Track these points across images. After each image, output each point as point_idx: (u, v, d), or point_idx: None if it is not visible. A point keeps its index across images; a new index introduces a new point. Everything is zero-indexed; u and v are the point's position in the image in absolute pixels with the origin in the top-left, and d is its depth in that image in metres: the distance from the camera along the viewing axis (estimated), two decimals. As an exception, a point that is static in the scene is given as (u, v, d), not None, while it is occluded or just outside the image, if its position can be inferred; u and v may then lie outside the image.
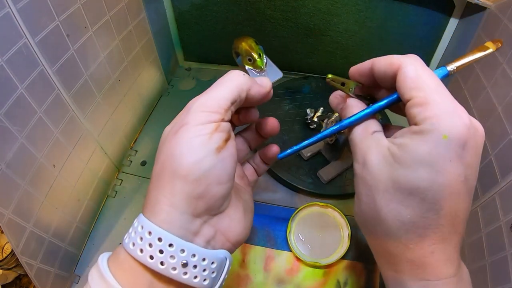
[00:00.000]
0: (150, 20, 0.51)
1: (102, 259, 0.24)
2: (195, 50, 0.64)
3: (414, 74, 0.22)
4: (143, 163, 0.51)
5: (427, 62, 0.54)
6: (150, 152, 0.53)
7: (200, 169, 0.22)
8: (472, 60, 0.24)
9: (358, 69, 0.26)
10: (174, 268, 0.22)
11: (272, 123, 0.31)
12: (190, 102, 0.25)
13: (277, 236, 0.43)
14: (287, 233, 0.42)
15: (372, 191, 0.23)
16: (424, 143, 0.20)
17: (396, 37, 0.51)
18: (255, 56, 0.30)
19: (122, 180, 0.49)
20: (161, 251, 0.22)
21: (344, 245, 0.40)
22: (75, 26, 0.36)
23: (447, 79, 0.48)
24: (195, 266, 0.22)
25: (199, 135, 0.23)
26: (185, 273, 0.22)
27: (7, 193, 0.30)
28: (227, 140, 0.24)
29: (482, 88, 0.38)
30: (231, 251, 0.26)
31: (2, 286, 0.44)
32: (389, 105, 0.24)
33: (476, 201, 0.36)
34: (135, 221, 0.24)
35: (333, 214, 0.43)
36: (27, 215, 0.32)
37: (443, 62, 0.52)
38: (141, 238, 0.22)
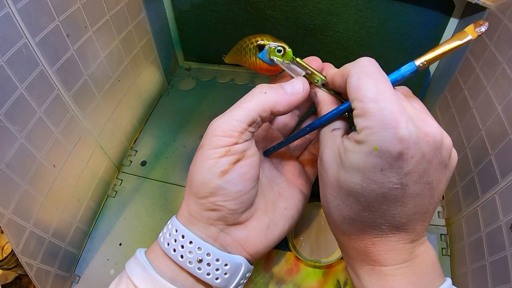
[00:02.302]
0: (150, 20, 0.51)
1: (141, 253, 0.27)
2: (195, 50, 0.64)
3: (355, 84, 0.22)
4: (143, 163, 0.51)
5: (427, 62, 0.54)
6: (150, 152, 0.53)
7: (206, 189, 0.25)
8: (447, 50, 0.22)
9: (326, 75, 0.26)
10: (191, 262, 0.25)
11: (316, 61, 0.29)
12: (213, 121, 0.26)
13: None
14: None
15: (324, 186, 0.25)
16: (359, 152, 0.21)
17: (396, 37, 0.51)
18: (286, 46, 0.27)
19: (122, 180, 0.49)
20: (182, 246, 0.25)
21: (344, 245, 0.40)
22: (75, 26, 0.36)
23: (447, 79, 0.48)
24: (208, 264, 0.25)
25: (209, 159, 0.25)
26: (199, 268, 0.25)
27: (7, 193, 0.30)
28: (236, 162, 0.25)
29: (482, 88, 0.38)
30: (249, 260, 0.28)
31: (2, 286, 0.44)
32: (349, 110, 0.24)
33: (476, 201, 0.36)
34: (169, 220, 0.28)
35: (333, 214, 0.43)
36: (27, 215, 0.32)
37: (443, 62, 0.52)
38: (169, 234, 0.26)
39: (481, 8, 0.41)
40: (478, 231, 0.35)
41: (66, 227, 0.39)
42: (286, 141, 0.30)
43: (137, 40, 0.49)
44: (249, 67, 0.30)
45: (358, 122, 0.21)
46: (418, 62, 0.23)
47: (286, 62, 0.27)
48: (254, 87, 0.27)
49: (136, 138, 0.55)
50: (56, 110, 0.35)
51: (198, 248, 0.25)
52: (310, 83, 0.27)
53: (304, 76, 0.27)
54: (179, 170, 0.50)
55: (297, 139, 0.29)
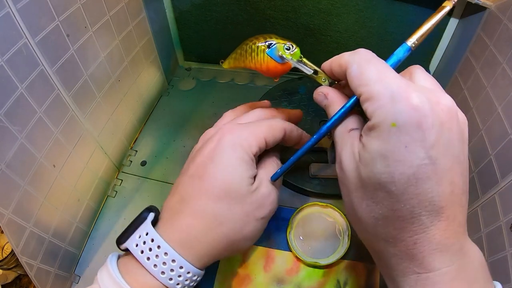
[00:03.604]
0: (150, 20, 0.51)
1: (112, 262, 0.27)
2: (195, 50, 0.64)
3: (357, 71, 0.22)
4: (143, 163, 0.51)
5: (427, 62, 0.54)
6: (150, 152, 0.53)
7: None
8: (432, 26, 0.23)
9: (324, 68, 0.27)
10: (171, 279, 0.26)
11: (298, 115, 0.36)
12: (230, 127, 0.29)
13: (277, 236, 0.43)
14: (287, 233, 0.42)
15: (348, 191, 0.23)
16: (376, 137, 0.20)
17: (396, 37, 0.51)
18: (295, 44, 0.27)
19: (122, 180, 0.49)
20: (179, 276, 0.26)
21: (344, 245, 0.40)
22: (75, 26, 0.36)
23: (447, 79, 0.48)
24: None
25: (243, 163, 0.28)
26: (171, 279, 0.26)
27: (7, 193, 0.30)
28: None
29: (482, 88, 0.38)
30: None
31: (2, 286, 0.44)
32: (357, 103, 0.24)
33: (476, 201, 0.36)
34: (146, 233, 0.27)
35: (333, 214, 0.43)
36: (27, 215, 0.32)
37: (443, 62, 0.52)
38: (157, 256, 0.26)
39: (481, 8, 0.41)
40: (478, 231, 0.35)
41: (66, 227, 0.39)
42: (294, 159, 0.28)
43: (137, 40, 0.49)
44: (255, 68, 0.29)
45: (367, 106, 0.21)
46: (410, 42, 0.23)
47: (294, 60, 0.27)
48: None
49: (136, 138, 0.55)
50: (56, 110, 0.35)
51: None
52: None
53: (311, 75, 0.27)
54: (179, 170, 0.50)
55: (305, 152, 0.28)
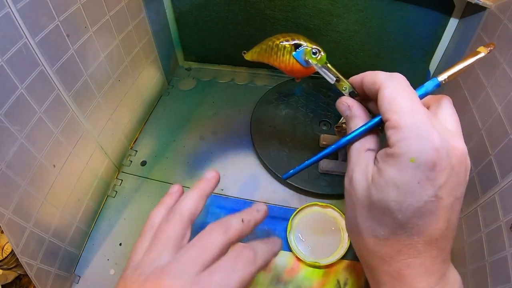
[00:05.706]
0: (150, 20, 0.51)
1: None
2: (195, 50, 0.64)
3: (390, 96, 0.22)
4: (143, 163, 0.51)
5: (427, 62, 0.54)
6: (150, 152, 0.53)
7: None
8: (464, 67, 0.24)
9: (352, 80, 0.27)
10: None
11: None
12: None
13: (277, 236, 0.43)
14: (287, 233, 0.42)
15: (354, 206, 0.25)
16: (393, 166, 0.21)
17: (396, 37, 0.51)
18: (322, 50, 0.27)
19: (122, 180, 0.49)
20: None
21: (344, 245, 0.40)
22: (75, 26, 0.36)
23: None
24: None
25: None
26: None
27: (7, 193, 0.30)
28: None
29: (482, 88, 0.38)
30: None
31: (2, 286, 0.44)
32: (381, 123, 0.24)
33: (476, 201, 0.36)
34: None
35: (333, 214, 0.43)
36: (27, 215, 0.32)
37: (443, 62, 0.52)
38: None
39: (481, 8, 0.41)
40: (478, 231, 0.35)
41: (66, 227, 0.39)
42: (309, 162, 0.29)
43: (137, 40, 0.49)
44: (279, 66, 0.29)
45: (391, 134, 0.22)
46: (441, 78, 0.24)
47: (319, 65, 0.27)
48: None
49: (136, 138, 0.55)
50: (56, 110, 0.35)
51: None
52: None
53: (333, 83, 0.27)
54: (179, 170, 0.50)
55: (321, 159, 0.28)
